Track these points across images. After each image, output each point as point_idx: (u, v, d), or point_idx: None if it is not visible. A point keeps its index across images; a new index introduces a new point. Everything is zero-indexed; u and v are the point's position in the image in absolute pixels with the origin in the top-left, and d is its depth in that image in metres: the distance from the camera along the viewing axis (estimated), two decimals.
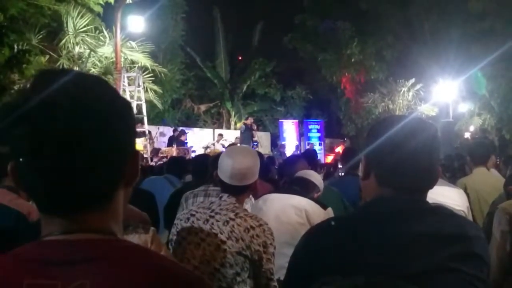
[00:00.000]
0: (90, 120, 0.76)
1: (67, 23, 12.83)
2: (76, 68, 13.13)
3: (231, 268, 2.13)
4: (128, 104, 0.85)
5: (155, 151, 12.63)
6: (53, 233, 0.79)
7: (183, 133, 14.86)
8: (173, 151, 12.84)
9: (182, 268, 0.88)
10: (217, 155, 2.63)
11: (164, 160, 11.21)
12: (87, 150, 0.76)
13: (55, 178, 0.76)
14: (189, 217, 2.25)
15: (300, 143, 20.29)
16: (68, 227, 0.79)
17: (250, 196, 3.37)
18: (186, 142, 14.97)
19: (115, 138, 0.80)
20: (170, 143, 14.19)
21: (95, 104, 0.78)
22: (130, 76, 13.25)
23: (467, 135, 19.32)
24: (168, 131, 16.80)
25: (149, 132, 14.02)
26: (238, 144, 13.75)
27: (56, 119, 0.74)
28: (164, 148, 13.94)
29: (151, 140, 13.93)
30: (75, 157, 0.75)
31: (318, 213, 2.86)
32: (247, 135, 14.78)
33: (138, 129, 13.26)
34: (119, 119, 0.81)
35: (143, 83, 13.69)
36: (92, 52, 13.49)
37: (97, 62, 13.75)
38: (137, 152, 0.87)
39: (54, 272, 0.75)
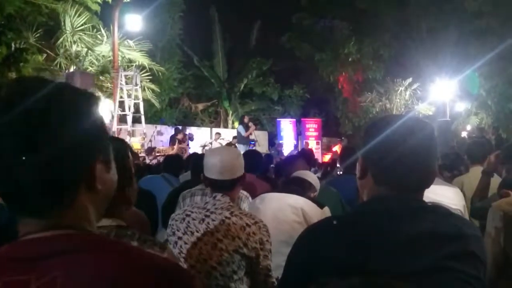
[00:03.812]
0: (40, 120, 0.79)
1: (64, 21, 12.83)
2: (73, 67, 13.13)
3: (228, 266, 2.14)
4: (91, 112, 0.87)
5: (150, 150, 12.62)
6: (26, 234, 0.83)
7: (179, 131, 14.80)
8: (174, 149, 12.80)
9: (156, 256, 0.90)
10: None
11: (159, 157, 11.21)
12: (39, 149, 0.79)
13: (9, 177, 0.79)
14: (185, 217, 2.26)
15: (297, 142, 20.30)
16: (39, 227, 0.83)
17: (248, 195, 3.38)
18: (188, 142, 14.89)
19: (69, 138, 0.82)
20: (173, 141, 14.12)
21: (47, 106, 0.81)
22: (127, 75, 13.22)
23: (464, 134, 19.35)
24: (166, 130, 16.77)
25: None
26: (236, 143, 13.80)
27: (6, 116, 0.78)
28: (161, 147, 13.91)
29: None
30: (27, 156, 0.78)
31: (315, 212, 2.87)
32: (241, 135, 14.72)
33: (135, 128, 13.31)
34: (74, 122, 0.83)
35: (141, 81, 13.67)
36: (89, 51, 13.49)
37: (95, 61, 13.76)
38: (101, 159, 0.89)
39: (27, 268, 0.78)
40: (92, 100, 0.88)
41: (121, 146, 1.72)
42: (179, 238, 2.23)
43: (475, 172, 3.95)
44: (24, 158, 0.78)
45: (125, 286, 0.79)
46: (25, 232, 0.83)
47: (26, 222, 0.84)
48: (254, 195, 3.36)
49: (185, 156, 10.06)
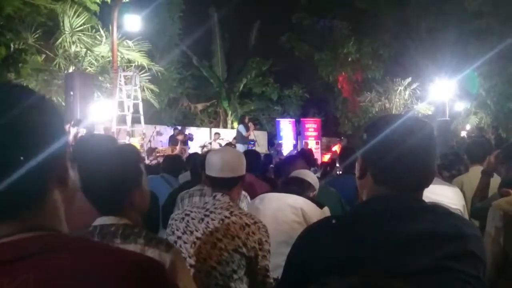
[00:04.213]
0: (6, 119, 0.79)
1: (63, 22, 12.82)
2: (73, 67, 13.12)
3: (227, 265, 2.15)
4: (52, 111, 0.88)
5: (150, 150, 12.60)
6: None
7: (180, 132, 14.78)
8: (176, 149, 12.77)
9: (126, 251, 0.90)
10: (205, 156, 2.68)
11: (159, 158, 11.18)
12: (6, 150, 0.79)
13: None
14: (184, 216, 2.27)
15: (297, 142, 20.30)
16: (8, 230, 0.82)
17: (246, 194, 3.38)
18: (186, 141, 14.84)
19: (35, 138, 0.82)
20: (172, 142, 14.08)
21: (10, 105, 0.81)
22: (126, 75, 13.20)
23: (463, 134, 19.36)
24: (165, 130, 16.74)
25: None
26: (236, 143, 13.79)
27: None
28: (160, 147, 13.89)
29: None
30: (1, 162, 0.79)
31: (315, 212, 2.87)
32: (241, 134, 14.71)
33: (135, 129, 13.30)
34: (39, 118, 0.84)
35: (140, 82, 13.66)
36: (88, 51, 13.49)
37: (94, 61, 13.76)
38: (65, 153, 0.89)
39: None
40: (49, 105, 0.89)
41: (130, 149, 1.76)
42: (179, 237, 2.24)
43: (475, 172, 3.95)
44: None
45: (98, 284, 0.79)
46: None
47: None
48: (253, 195, 3.35)
49: (184, 156, 10.04)
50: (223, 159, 2.28)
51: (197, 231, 2.21)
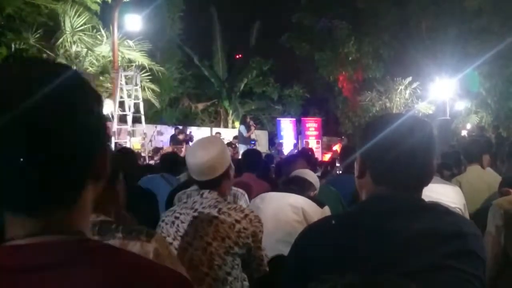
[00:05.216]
0: (53, 109, 0.71)
1: (64, 22, 12.84)
2: (73, 67, 13.11)
3: (220, 270, 2.07)
4: (95, 96, 0.80)
5: (156, 150, 12.59)
6: (15, 238, 0.73)
7: (182, 132, 14.77)
8: (182, 150, 12.77)
9: (160, 266, 0.83)
10: None
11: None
12: (53, 142, 0.71)
13: (19, 171, 0.70)
14: (174, 220, 2.19)
15: (297, 142, 20.30)
16: (31, 229, 0.73)
17: (244, 192, 3.37)
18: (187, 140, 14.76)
19: (83, 130, 0.75)
20: (174, 142, 14.07)
21: (58, 94, 0.73)
22: (127, 75, 13.20)
23: (464, 133, 19.34)
24: (166, 130, 16.75)
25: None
26: (237, 143, 13.77)
27: (15, 107, 0.69)
28: (166, 147, 13.89)
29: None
30: (40, 149, 0.70)
31: (315, 211, 2.88)
32: (243, 135, 14.69)
33: (135, 128, 13.31)
34: (86, 109, 0.76)
35: (141, 81, 13.66)
36: (89, 51, 13.50)
37: (95, 61, 13.76)
38: (107, 146, 0.82)
39: (11, 281, 0.69)
40: (83, 84, 0.80)
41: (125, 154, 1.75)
42: (170, 243, 2.14)
43: (472, 171, 3.96)
44: (31, 149, 0.69)
45: None
46: (12, 236, 0.73)
47: (16, 221, 0.73)
48: (252, 194, 3.36)
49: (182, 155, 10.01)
50: (197, 165, 2.15)
51: (187, 235, 2.13)
